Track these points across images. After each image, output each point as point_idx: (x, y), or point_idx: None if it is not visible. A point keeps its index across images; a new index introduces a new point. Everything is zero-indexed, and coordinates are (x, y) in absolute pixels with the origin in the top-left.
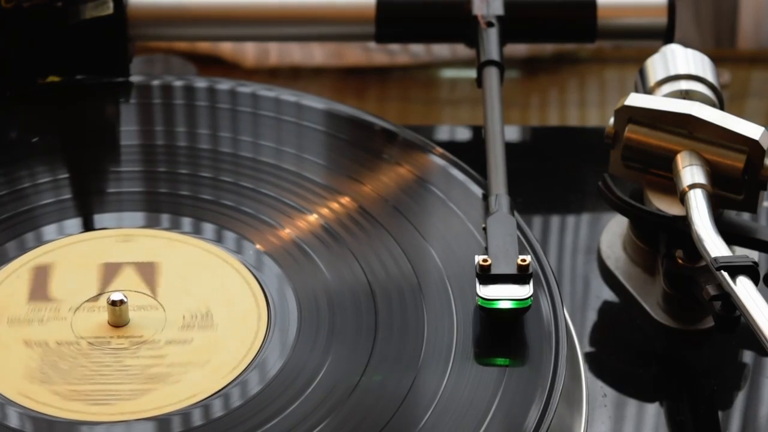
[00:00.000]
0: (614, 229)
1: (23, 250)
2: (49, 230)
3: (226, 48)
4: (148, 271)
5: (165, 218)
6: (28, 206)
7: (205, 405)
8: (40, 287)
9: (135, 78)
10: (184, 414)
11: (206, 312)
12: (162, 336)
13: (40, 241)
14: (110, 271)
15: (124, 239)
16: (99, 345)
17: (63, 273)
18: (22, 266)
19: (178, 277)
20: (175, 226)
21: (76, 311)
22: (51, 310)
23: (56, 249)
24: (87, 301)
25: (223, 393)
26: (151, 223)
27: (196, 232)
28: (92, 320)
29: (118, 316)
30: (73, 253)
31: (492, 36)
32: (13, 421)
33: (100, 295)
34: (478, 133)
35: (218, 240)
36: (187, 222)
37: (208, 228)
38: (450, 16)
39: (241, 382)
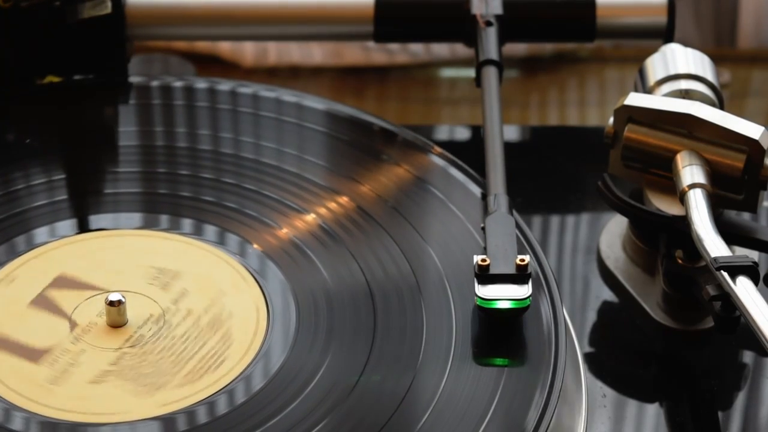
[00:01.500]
0: (614, 229)
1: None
2: (42, 231)
3: (224, 47)
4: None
5: (164, 219)
6: (22, 207)
7: (204, 404)
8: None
9: (134, 78)
10: (184, 414)
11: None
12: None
13: (31, 244)
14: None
15: (122, 239)
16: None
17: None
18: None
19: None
20: (174, 227)
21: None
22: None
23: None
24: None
25: (221, 393)
26: (150, 224)
27: (196, 233)
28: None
29: (116, 317)
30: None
31: (491, 35)
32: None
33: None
34: (478, 133)
35: (217, 240)
36: (186, 223)
37: (207, 228)
38: (449, 15)
39: (239, 382)
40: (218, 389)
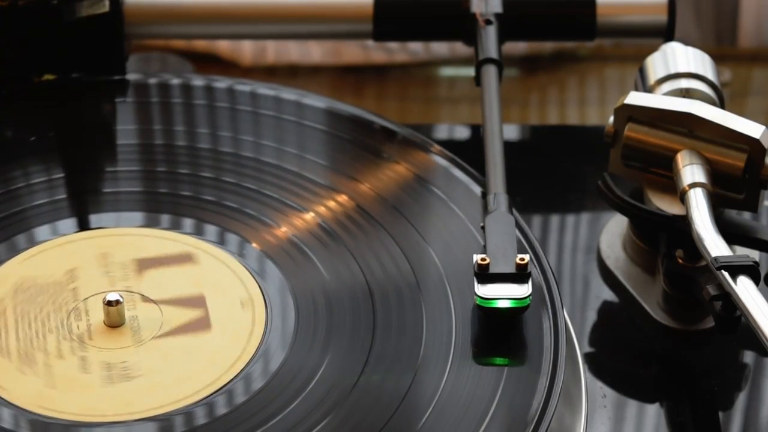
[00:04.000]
0: (614, 229)
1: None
2: (42, 230)
3: (223, 46)
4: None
5: (163, 218)
6: (22, 206)
7: (203, 405)
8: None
9: (132, 76)
10: (183, 414)
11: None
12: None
13: (32, 242)
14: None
15: (122, 238)
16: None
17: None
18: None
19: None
20: (173, 226)
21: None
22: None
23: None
24: (87, 298)
25: (220, 393)
26: (149, 223)
27: (195, 231)
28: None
29: (114, 317)
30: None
31: (490, 34)
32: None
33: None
34: (478, 132)
35: (216, 240)
36: (185, 222)
37: (207, 228)
38: (448, 13)
39: (238, 383)
40: (217, 389)
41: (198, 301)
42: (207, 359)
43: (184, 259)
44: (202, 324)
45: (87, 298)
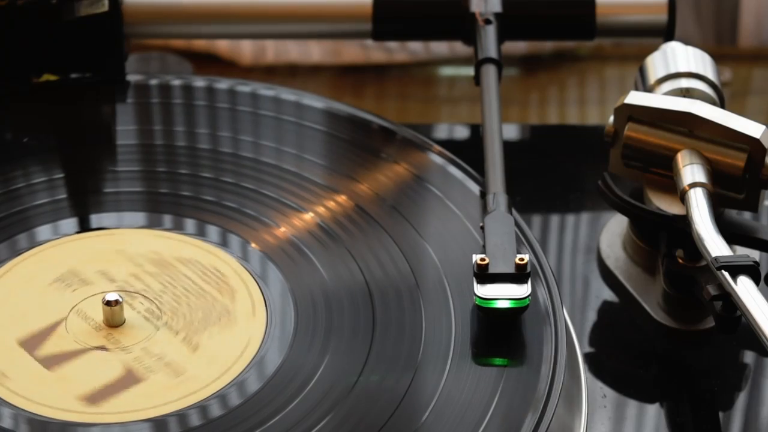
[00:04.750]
0: (614, 229)
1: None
2: (41, 230)
3: (222, 46)
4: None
5: (163, 218)
6: (23, 206)
7: (202, 405)
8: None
9: (132, 77)
10: (182, 414)
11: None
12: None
13: (33, 242)
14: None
15: (121, 237)
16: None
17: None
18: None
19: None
20: (174, 227)
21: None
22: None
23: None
24: (87, 298)
25: (219, 393)
26: (150, 224)
27: (195, 232)
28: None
29: (113, 317)
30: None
31: (490, 33)
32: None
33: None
34: (477, 132)
35: (216, 240)
36: (185, 222)
37: (206, 228)
38: (447, 13)
39: (237, 383)
40: (215, 390)
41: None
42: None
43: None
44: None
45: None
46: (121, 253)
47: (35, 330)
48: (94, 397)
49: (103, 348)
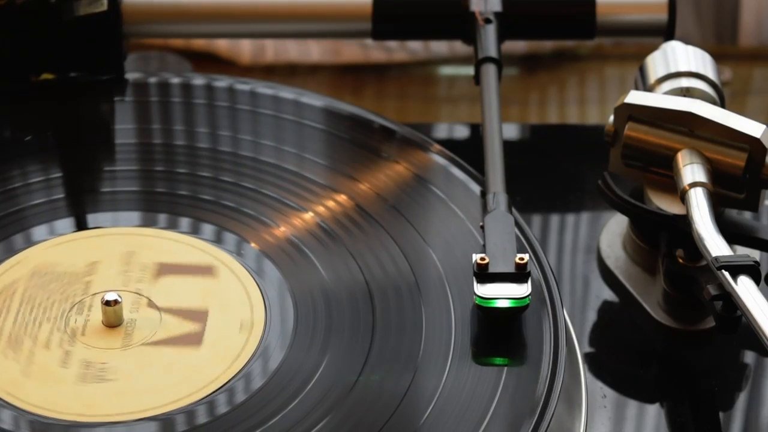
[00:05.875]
0: (614, 228)
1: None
2: (40, 230)
3: (221, 45)
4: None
5: (162, 218)
6: (20, 206)
7: (201, 405)
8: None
9: (130, 75)
10: (180, 415)
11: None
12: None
13: (30, 242)
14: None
15: (120, 237)
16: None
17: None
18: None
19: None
20: (172, 226)
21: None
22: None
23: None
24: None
25: (219, 393)
26: (148, 223)
27: (194, 231)
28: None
29: (112, 316)
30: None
31: (490, 33)
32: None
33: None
34: (477, 131)
35: (215, 239)
36: (184, 222)
37: (206, 227)
38: (447, 12)
39: (237, 383)
40: (215, 390)
41: (196, 301)
42: (209, 357)
43: (182, 258)
44: (200, 324)
45: (96, 293)
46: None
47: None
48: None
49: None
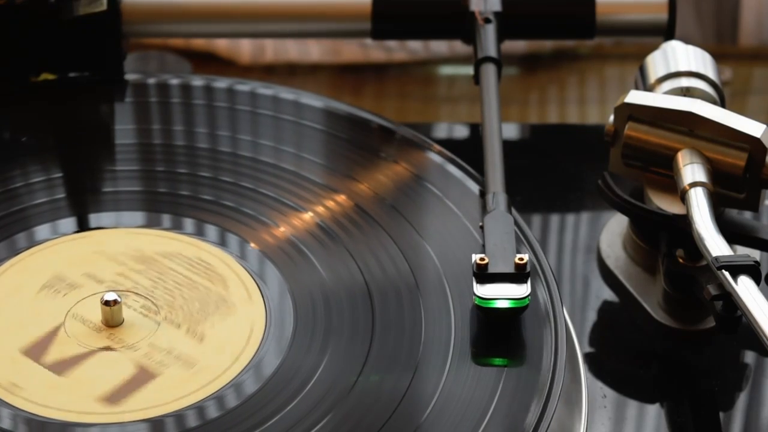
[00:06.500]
0: (614, 228)
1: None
2: (41, 230)
3: (221, 45)
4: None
5: (161, 218)
6: (21, 206)
7: (200, 406)
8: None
9: (130, 76)
10: (180, 415)
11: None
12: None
13: (32, 241)
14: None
15: (120, 237)
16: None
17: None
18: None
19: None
20: (172, 226)
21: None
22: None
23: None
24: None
25: (218, 394)
26: (148, 223)
27: (192, 231)
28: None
29: (111, 316)
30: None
31: (489, 32)
32: (5, 422)
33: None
34: (477, 131)
35: (214, 239)
36: (184, 221)
37: (205, 227)
38: (447, 12)
39: (236, 383)
40: (214, 390)
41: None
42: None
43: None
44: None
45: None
46: (102, 253)
47: (36, 338)
48: (114, 397)
49: (109, 348)
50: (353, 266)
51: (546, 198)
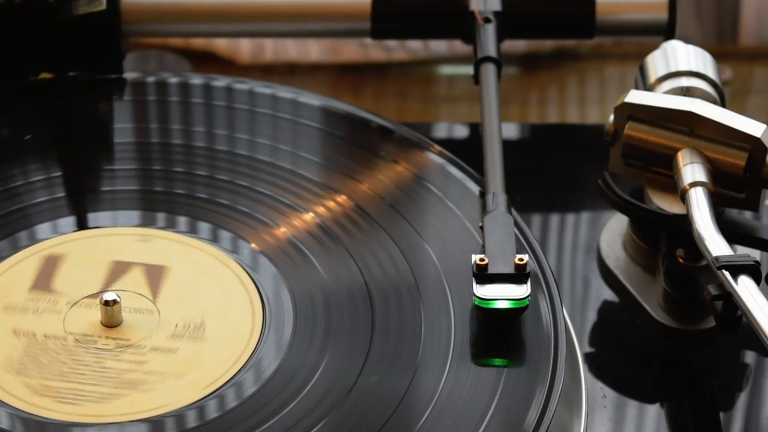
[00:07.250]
0: (614, 228)
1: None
2: (40, 228)
3: (220, 44)
4: (143, 270)
5: (159, 217)
6: (21, 204)
7: (200, 406)
8: (45, 278)
9: (129, 74)
10: (180, 415)
11: (201, 312)
12: (154, 338)
13: (33, 240)
14: (118, 269)
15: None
16: (85, 343)
17: (72, 266)
18: (32, 255)
19: (173, 276)
20: (170, 225)
21: (72, 306)
22: (49, 302)
23: (66, 242)
24: (86, 297)
25: (218, 394)
26: (145, 222)
27: (191, 231)
28: (86, 317)
29: (110, 316)
30: (84, 248)
31: (489, 32)
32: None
33: (101, 292)
34: (476, 131)
35: (213, 239)
36: (182, 221)
37: (204, 227)
38: (447, 11)
39: (236, 384)
40: (213, 391)
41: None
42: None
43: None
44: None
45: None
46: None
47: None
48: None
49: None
50: (353, 266)
51: (546, 198)
